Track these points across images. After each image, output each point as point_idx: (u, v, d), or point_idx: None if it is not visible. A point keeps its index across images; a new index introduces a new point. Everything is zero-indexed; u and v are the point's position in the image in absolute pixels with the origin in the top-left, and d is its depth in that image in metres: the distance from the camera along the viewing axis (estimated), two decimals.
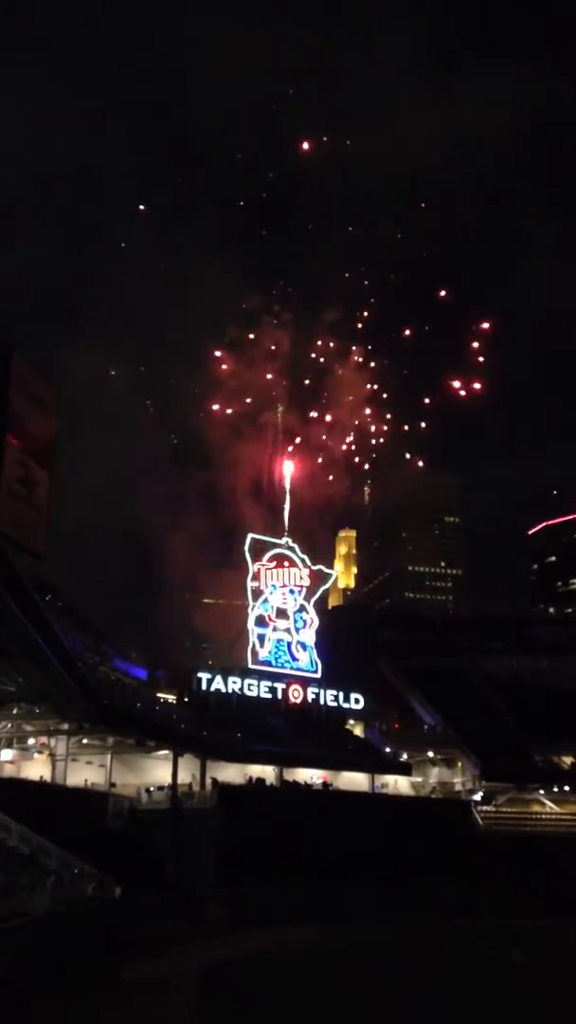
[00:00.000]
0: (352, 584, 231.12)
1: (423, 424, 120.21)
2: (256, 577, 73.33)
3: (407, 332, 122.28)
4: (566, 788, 71.11)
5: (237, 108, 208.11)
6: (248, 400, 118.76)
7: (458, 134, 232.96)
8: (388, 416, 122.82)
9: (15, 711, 50.24)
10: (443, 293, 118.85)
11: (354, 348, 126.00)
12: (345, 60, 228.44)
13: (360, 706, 73.52)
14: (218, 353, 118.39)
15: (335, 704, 72.22)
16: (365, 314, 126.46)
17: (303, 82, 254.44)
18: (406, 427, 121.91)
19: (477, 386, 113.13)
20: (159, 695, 63.92)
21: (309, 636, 74.32)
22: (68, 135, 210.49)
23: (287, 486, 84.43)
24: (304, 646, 73.67)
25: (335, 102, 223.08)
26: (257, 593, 73.10)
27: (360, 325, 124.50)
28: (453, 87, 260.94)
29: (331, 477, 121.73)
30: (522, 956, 32.76)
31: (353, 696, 73.11)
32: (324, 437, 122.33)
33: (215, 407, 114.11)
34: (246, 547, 74.16)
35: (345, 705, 72.89)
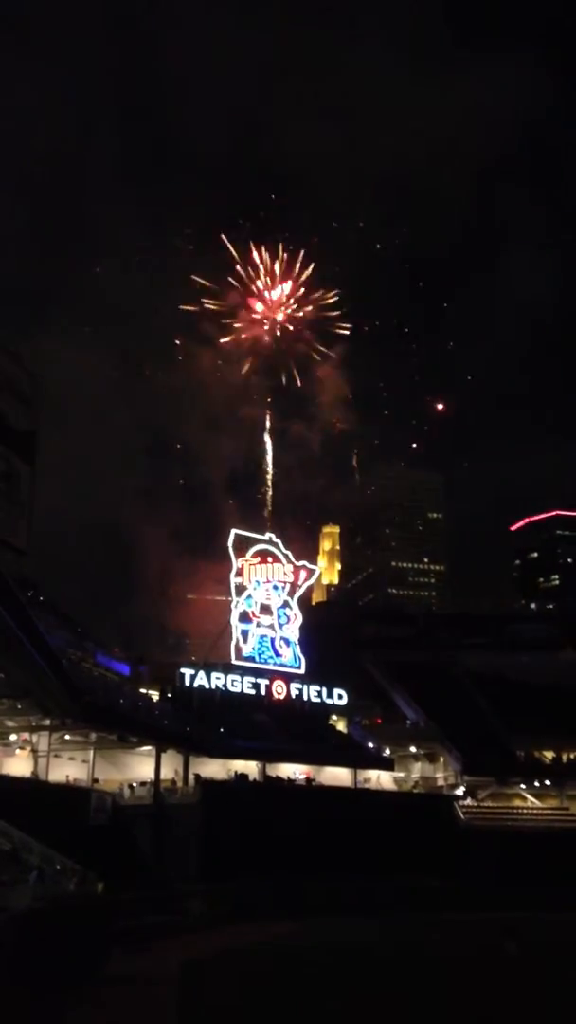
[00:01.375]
0: (336, 580, 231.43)
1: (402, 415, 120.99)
2: (239, 573, 73.20)
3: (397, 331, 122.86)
4: (547, 783, 71.66)
5: (226, 103, 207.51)
6: (229, 394, 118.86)
7: (449, 131, 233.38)
8: (373, 413, 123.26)
9: None
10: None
11: (337, 344, 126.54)
12: (333, 54, 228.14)
13: (343, 702, 73.62)
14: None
15: (318, 700, 72.25)
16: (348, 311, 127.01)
17: (292, 77, 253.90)
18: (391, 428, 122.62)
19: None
20: (142, 691, 63.66)
21: (293, 632, 74.28)
22: (53, 127, 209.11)
23: (269, 481, 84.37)
24: (288, 642, 73.62)
25: (323, 97, 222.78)
26: (240, 589, 72.94)
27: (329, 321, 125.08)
28: (443, 83, 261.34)
29: (315, 472, 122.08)
30: (516, 948, 32.82)
31: (336, 692, 73.19)
32: (307, 432, 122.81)
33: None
34: (229, 543, 74.00)
35: (328, 701, 72.96)
